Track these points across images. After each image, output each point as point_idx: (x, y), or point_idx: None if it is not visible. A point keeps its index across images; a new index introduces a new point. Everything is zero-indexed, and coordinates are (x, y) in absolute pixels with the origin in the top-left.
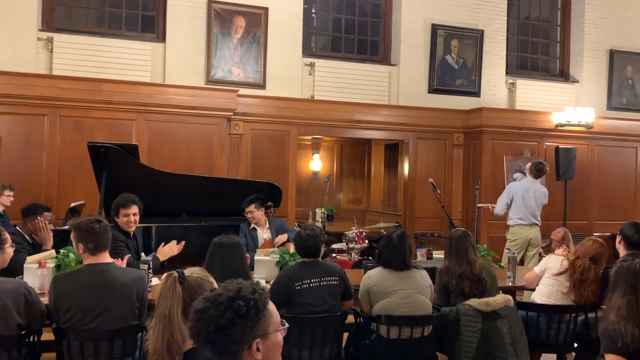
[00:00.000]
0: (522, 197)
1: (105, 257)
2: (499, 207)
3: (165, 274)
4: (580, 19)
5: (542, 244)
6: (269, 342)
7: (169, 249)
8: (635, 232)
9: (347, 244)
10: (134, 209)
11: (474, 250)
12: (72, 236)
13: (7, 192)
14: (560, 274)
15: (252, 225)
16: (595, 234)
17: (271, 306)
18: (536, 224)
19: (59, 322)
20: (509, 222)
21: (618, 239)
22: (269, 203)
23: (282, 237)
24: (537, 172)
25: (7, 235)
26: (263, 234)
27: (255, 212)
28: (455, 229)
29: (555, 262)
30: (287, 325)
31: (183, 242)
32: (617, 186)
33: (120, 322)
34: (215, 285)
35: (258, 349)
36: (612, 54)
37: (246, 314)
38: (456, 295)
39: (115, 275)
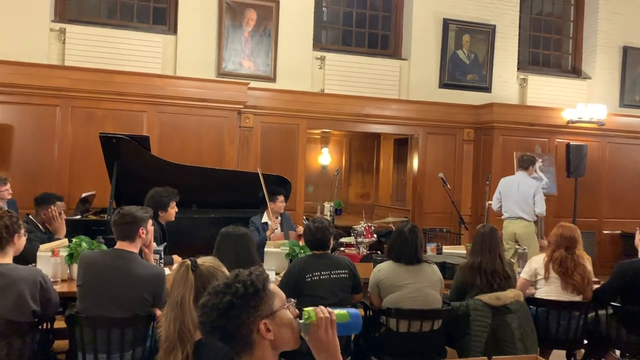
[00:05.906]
0: (508, 190)
1: (130, 246)
2: (493, 203)
3: (179, 262)
4: (594, 14)
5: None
6: (277, 321)
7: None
8: None
9: (355, 238)
10: None
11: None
12: None
13: (2, 187)
14: (548, 275)
15: (264, 219)
16: (605, 232)
17: (272, 286)
18: (523, 218)
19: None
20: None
21: (638, 236)
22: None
23: (294, 234)
24: (522, 162)
25: (22, 222)
26: (274, 226)
27: (282, 203)
28: (482, 224)
29: (538, 262)
30: (293, 300)
31: None
32: (628, 184)
33: (125, 311)
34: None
35: (268, 330)
36: (626, 50)
37: (244, 294)
38: (478, 292)
39: (130, 265)
